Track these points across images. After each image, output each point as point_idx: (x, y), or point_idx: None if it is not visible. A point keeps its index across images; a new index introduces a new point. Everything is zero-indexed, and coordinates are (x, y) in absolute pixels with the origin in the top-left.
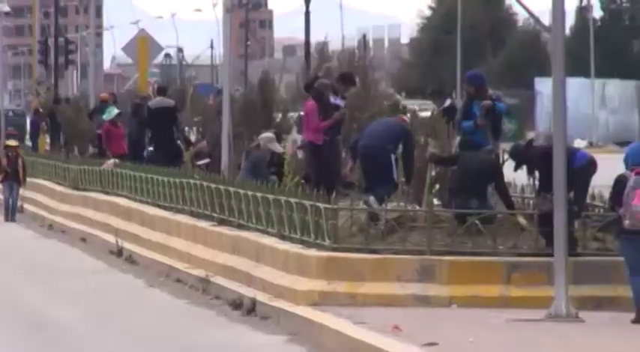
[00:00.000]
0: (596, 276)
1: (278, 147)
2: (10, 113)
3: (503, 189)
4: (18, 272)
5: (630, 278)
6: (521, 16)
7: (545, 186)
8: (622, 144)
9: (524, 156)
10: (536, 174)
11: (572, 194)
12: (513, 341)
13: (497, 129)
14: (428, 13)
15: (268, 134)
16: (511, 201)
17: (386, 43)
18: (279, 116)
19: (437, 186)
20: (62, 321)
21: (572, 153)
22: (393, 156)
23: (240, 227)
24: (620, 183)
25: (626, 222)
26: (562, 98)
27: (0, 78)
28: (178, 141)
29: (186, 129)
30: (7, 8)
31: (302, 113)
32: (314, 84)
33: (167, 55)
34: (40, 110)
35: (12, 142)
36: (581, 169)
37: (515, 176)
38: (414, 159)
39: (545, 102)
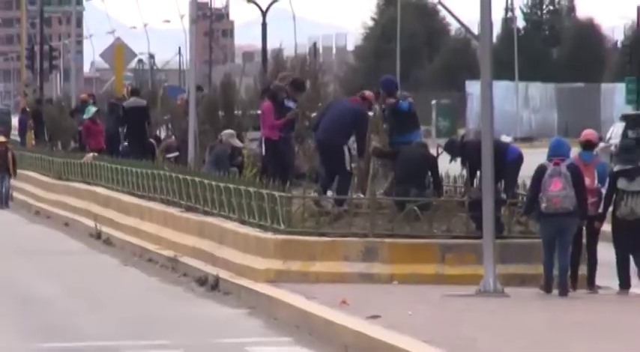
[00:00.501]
0: (520, 256)
1: (238, 142)
2: None
3: (437, 179)
4: (8, 253)
5: (543, 255)
6: (454, 26)
7: (475, 176)
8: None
9: (458, 149)
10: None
11: (502, 183)
12: (447, 313)
13: (404, 125)
14: (371, 23)
15: (229, 131)
16: (443, 189)
17: (334, 50)
18: (239, 115)
19: (378, 174)
20: (46, 296)
21: (504, 148)
22: (345, 147)
23: (205, 213)
24: (539, 171)
25: (543, 206)
26: (489, 99)
27: None
28: (150, 139)
29: (157, 126)
30: None
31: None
32: (276, 92)
33: (140, 61)
34: (27, 109)
35: (1, 138)
36: (513, 162)
37: (449, 167)
38: (364, 143)
39: (475, 103)
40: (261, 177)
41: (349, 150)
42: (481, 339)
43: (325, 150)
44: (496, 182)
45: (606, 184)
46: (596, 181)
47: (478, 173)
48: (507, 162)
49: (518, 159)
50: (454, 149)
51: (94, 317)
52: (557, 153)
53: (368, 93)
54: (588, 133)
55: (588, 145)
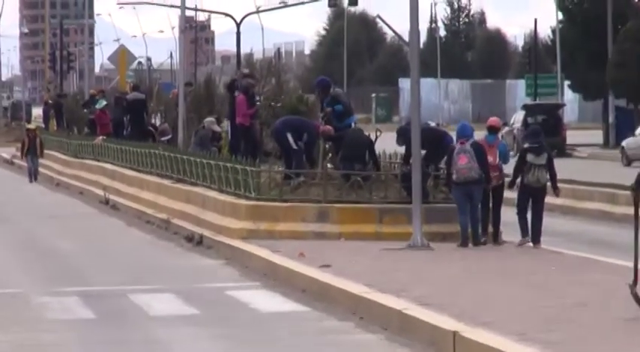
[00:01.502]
0: (442, 218)
1: (217, 128)
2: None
3: (374, 156)
4: (35, 216)
5: (458, 216)
6: (389, 34)
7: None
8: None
9: (404, 133)
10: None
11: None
12: (384, 263)
13: (341, 116)
14: (323, 32)
15: (211, 118)
16: (380, 164)
17: (294, 54)
18: (218, 105)
19: (329, 155)
20: (64, 249)
21: (444, 134)
22: (288, 134)
23: (191, 184)
24: (451, 151)
25: (454, 176)
26: (417, 92)
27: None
28: (150, 127)
29: (153, 115)
30: (26, 30)
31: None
32: (234, 83)
33: (139, 63)
34: (50, 102)
35: (31, 126)
36: (448, 146)
37: (385, 147)
38: (312, 151)
39: (406, 96)
40: (231, 154)
41: (293, 135)
42: (411, 283)
43: (278, 141)
44: (439, 160)
45: (508, 161)
46: (497, 158)
47: (423, 152)
48: (445, 145)
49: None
50: (405, 134)
51: (102, 266)
52: (463, 134)
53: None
54: (492, 120)
55: (492, 130)
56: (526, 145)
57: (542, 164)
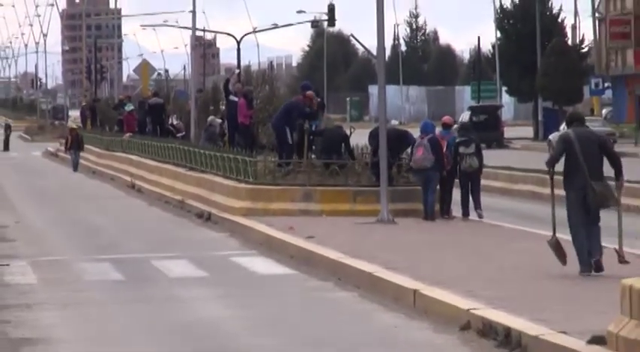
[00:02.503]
0: (404, 198)
1: (218, 123)
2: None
3: (349, 149)
4: (76, 198)
5: (422, 195)
6: (360, 49)
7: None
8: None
9: (374, 136)
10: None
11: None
12: (357, 234)
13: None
14: (307, 48)
15: (213, 117)
16: (354, 155)
17: (283, 66)
18: (223, 108)
19: (313, 148)
20: (99, 225)
21: (405, 133)
22: (287, 128)
23: (201, 171)
24: (413, 144)
25: (412, 165)
26: (383, 96)
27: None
28: (168, 126)
29: (170, 116)
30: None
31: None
32: (228, 82)
33: (159, 74)
34: (86, 105)
35: (73, 125)
36: (409, 142)
37: (358, 141)
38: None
39: (374, 99)
40: (229, 146)
41: (290, 131)
42: (379, 251)
43: (275, 131)
44: (401, 152)
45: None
46: (445, 148)
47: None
48: (410, 143)
49: (413, 142)
50: (375, 137)
51: (130, 238)
52: (424, 130)
53: (309, 93)
54: (446, 118)
55: (446, 126)
56: (457, 140)
57: (472, 152)
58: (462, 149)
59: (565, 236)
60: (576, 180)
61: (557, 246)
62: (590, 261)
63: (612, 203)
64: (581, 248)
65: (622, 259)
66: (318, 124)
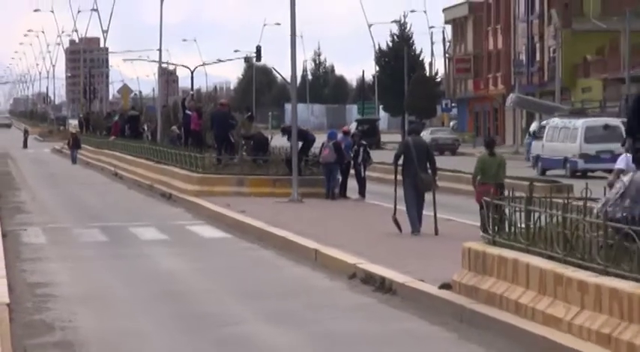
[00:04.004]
0: (310, 184)
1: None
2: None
3: (268, 149)
4: (73, 183)
5: (325, 182)
6: (279, 77)
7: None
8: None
9: (286, 130)
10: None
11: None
12: (275, 210)
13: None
14: (241, 77)
15: (176, 127)
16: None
17: (224, 89)
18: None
19: (244, 148)
20: (91, 203)
21: (306, 133)
22: (229, 133)
23: (165, 164)
24: (322, 145)
25: (321, 160)
26: (295, 111)
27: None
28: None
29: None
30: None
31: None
32: (184, 100)
33: (135, 94)
34: (82, 116)
35: (73, 130)
36: (313, 141)
37: (277, 144)
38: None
39: (289, 114)
40: (184, 146)
41: (232, 135)
42: (291, 221)
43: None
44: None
45: (350, 151)
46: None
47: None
48: (309, 140)
49: (313, 140)
50: (286, 131)
51: (113, 212)
52: (330, 137)
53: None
54: (345, 128)
55: (345, 133)
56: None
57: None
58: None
59: (402, 207)
60: (410, 171)
61: (396, 221)
62: (418, 226)
63: (433, 187)
64: (412, 217)
65: (418, 229)
66: (249, 131)
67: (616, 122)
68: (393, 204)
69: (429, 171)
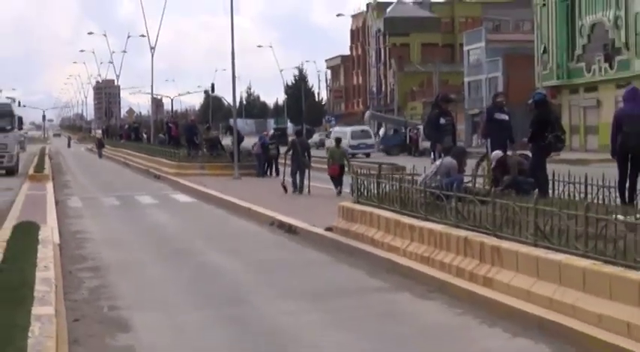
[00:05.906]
0: (245, 168)
1: (161, 137)
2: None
3: (222, 145)
4: (99, 169)
5: (257, 167)
6: (225, 103)
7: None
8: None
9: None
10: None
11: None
12: (226, 183)
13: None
14: (202, 102)
15: (162, 135)
16: (225, 149)
17: (192, 110)
18: (165, 129)
19: (205, 146)
20: (110, 180)
21: (239, 132)
22: (195, 137)
23: (156, 156)
24: (254, 144)
25: (253, 152)
26: (235, 123)
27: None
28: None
29: (142, 132)
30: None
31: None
32: (169, 121)
33: (137, 114)
34: (103, 128)
35: (98, 136)
36: (241, 138)
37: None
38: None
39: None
40: (168, 144)
41: (196, 138)
42: (236, 191)
43: (188, 138)
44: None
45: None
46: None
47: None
48: (241, 139)
49: (242, 139)
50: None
51: (124, 186)
52: (260, 139)
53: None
54: (265, 133)
55: (266, 136)
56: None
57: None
58: (272, 146)
59: (289, 178)
60: (296, 159)
61: (284, 186)
62: (296, 188)
63: (308, 166)
64: (295, 183)
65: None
66: (208, 136)
67: (367, 127)
68: (282, 176)
69: (306, 157)
